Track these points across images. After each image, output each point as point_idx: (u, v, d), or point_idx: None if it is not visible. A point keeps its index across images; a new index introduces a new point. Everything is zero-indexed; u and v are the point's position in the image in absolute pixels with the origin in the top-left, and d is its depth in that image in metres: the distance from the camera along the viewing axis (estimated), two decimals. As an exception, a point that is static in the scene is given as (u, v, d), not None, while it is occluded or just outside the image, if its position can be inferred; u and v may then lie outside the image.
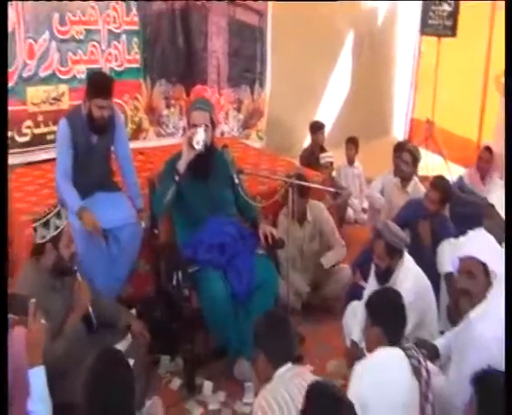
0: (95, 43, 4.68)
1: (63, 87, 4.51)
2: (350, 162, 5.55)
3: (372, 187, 4.88)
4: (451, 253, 3.25)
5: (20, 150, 4.31)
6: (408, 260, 2.96)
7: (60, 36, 4.47)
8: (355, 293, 3.49)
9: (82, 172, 3.17)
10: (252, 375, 2.80)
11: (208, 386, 2.99)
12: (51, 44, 4.41)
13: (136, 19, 4.91)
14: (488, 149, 4.46)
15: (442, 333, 2.92)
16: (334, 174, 5.23)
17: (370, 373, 2.18)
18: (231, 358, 3.10)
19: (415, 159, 4.20)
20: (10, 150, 3.91)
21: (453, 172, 5.64)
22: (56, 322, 2.39)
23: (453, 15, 5.99)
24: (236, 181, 3.15)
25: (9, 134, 4.12)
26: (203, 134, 2.99)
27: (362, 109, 6.46)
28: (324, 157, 5.00)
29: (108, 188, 3.33)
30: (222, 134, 5.66)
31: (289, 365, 2.09)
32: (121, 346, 2.56)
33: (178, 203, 3.10)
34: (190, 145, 3.00)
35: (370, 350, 2.30)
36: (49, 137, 4.34)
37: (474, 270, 2.31)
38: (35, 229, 2.43)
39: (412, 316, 2.80)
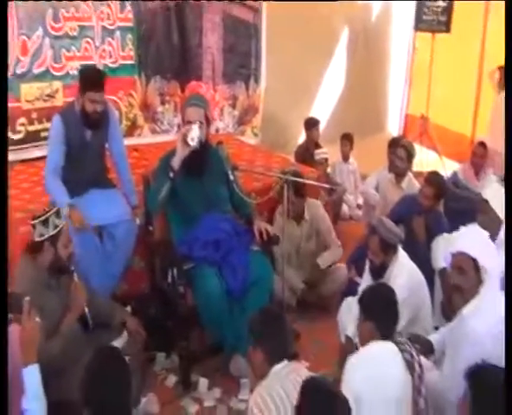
0: (89, 40, 4.66)
1: (57, 84, 4.49)
2: (345, 158, 5.55)
3: (367, 183, 4.89)
4: (444, 249, 3.26)
5: (14, 147, 4.29)
6: (402, 256, 2.97)
7: (54, 33, 4.45)
8: (349, 289, 3.50)
9: (76, 169, 3.17)
10: (248, 372, 2.81)
11: (203, 382, 2.99)
12: (44, 41, 4.39)
13: (130, 15, 4.89)
14: (482, 144, 4.47)
15: (436, 328, 2.94)
16: (329, 170, 5.24)
17: (363, 366, 2.19)
18: (226, 354, 3.10)
19: (410, 155, 4.21)
20: (4, 148, 3.89)
21: (447, 167, 5.67)
22: (52, 321, 2.39)
23: (447, 10, 6.01)
24: (231, 177, 3.14)
25: (3, 131, 4.10)
26: (198, 131, 2.99)
27: (357, 105, 6.48)
28: (319, 154, 5.00)
29: (103, 184, 3.32)
30: (217, 130, 5.66)
31: (285, 362, 2.09)
32: (117, 343, 2.56)
33: (173, 200, 3.10)
34: (185, 142, 2.99)
35: (363, 345, 2.31)
36: (43, 134, 4.31)
37: (464, 265, 2.32)
38: (33, 226, 2.42)
39: (405, 311, 2.81)
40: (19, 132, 4.34)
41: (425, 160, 5.83)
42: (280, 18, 5.75)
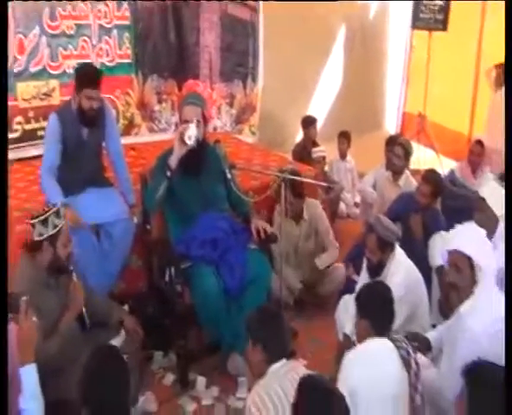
0: (86, 38, 4.65)
1: (54, 83, 4.48)
2: (342, 156, 5.55)
3: (364, 181, 4.90)
4: (441, 247, 3.27)
5: (10, 146, 4.25)
6: (400, 254, 2.97)
7: (51, 31, 4.43)
8: (347, 287, 3.50)
9: (73, 168, 3.16)
10: (246, 370, 2.81)
11: (201, 381, 2.99)
12: (41, 39, 4.38)
13: (127, 14, 4.88)
14: (479, 142, 4.48)
15: (434, 326, 2.94)
16: (326, 168, 5.24)
17: (360, 362, 2.20)
18: (224, 353, 3.11)
19: (407, 153, 4.22)
20: (1, 147, 3.88)
21: (445, 166, 5.67)
22: (50, 320, 2.39)
23: (444, 9, 6.02)
24: (228, 176, 3.14)
25: (0, 130, 4.10)
26: (195, 129, 2.98)
27: (354, 103, 6.48)
28: (317, 152, 5.01)
29: (100, 183, 3.32)
30: (215, 129, 5.66)
31: (283, 361, 2.10)
32: (115, 342, 2.56)
33: (170, 199, 3.10)
34: (182, 141, 2.99)
35: (360, 343, 2.32)
36: (40, 133, 4.31)
37: (460, 263, 2.33)
38: (33, 225, 2.42)
39: (403, 309, 2.82)
40: (16, 131, 4.33)
41: (423, 158, 5.84)
42: (277, 17, 5.75)
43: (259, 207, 3.67)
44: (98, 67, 4.54)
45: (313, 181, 3.83)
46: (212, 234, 3.03)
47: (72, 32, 4.55)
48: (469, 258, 2.31)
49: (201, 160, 3.12)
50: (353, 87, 6.62)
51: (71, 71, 4.44)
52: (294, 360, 2.17)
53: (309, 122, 5.46)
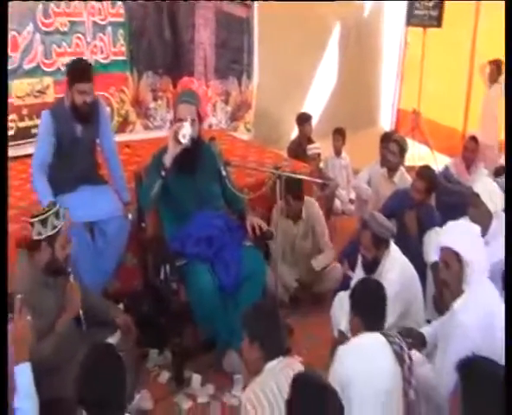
0: (80, 35, 4.63)
1: (48, 80, 4.47)
2: (337, 153, 5.56)
3: (359, 177, 4.90)
4: (436, 243, 3.28)
5: (4, 144, 4.26)
6: (395, 250, 2.98)
7: (45, 28, 4.42)
8: (342, 284, 3.51)
9: (67, 165, 3.15)
10: (242, 367, 2.81)
11: (196, 379, 2.99)
12: (35, 36, 4.36)
13: (121, 11, 4.87)
14: (473, 138, 4.49)
15: (428, 322, 2.96)
16: (321, 165, 5.24)
17: (352, 355, 2.21)
18: (219, 350, 3.11)
19: (402, 149, 4.22)
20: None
21: (439, 162, 5.69)
22: (47, 320, 2.38)
23: (439, 5, 6.03)
24: (223, 173, 3.14)
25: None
26: (189, 128, 2.97)
27: (349, 100, 6.49)
28: (312, 149, 5.00)
29: (94, 181, 3.30)
30: (210, 126, 5.65)
31: (279, 358, 2.10)
32: (111, 341, 2.55)
33: (165, 198, 3.09)
34: (176, 140, 2.98)
35: (354, 339, 2.33)
36: (34, 131, 4.28)
37: (449, 260, 2.35)
38: (32, 224, 2.41)
39: (398, 305, 2.84)
40: (10, 129, 4.31)
41: (417, 154, 5.86)
42: (272, 14, 5.74)
43: (255, 204, 3.67)
44: (92, 64, 4.57)
45: (308, 178, 3.83)
46: (207, 232, 3.03)
47: (66, 29, 4.53)
48: (457, 254, 2.32)
49: (196, 158, 3.12)
50: (348, 84, 6.62)
51: (65, 68, 4.43)
52: (290, 356, 2.17)
53: (304, 119, 5.46)
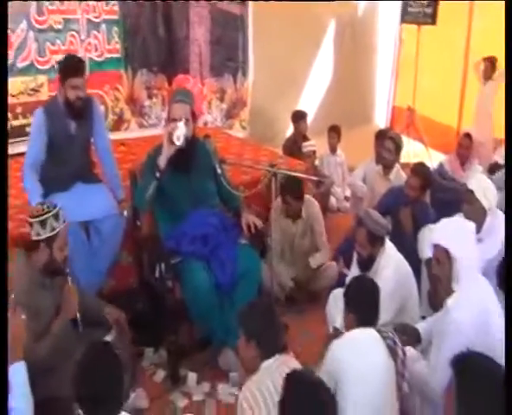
0: (74, 33, 4.62)
1: (42, 78, 4.45)
2: (333, 150, 5.57)
3: (354, 175, 4.90)
4: (429, 239, 3.30)
5: (-2, 142, 4.25)
6: (390, 248, 2.99)
7: (38, 26, 4.40)
8: (338, 281, 3.52)
9: (61, 163, 3.13)
10: (238, 365, 2.82)
11: (192, 377, 2.99)
12: (28, 34, 4.35)
13: (116, 8, 4.85)
14: (467, 135, 4.50)
15: (423, 318, 2.96)
16: (316, 162, 5.24)
17: (346, 347, 2.23)
18: (215, 348, 3.11)
19: (398, 147, 4.23)
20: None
21: (434, 159, 5.70)
22: (44, 320, 2.39)
23: (433, 3, 6.03)
24: (218, 171, 3.14)
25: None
26: (184, 128, 2.96)
27: (344, 98, 6.49)
28: (307, 146, 5.01)
29: (88, 179, 3.29)
30: (206, 124, 5.65)
31: (276, 356, 2.10)
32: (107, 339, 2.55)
33: (160, 198, 3.08)
34: (171, 141, 2.97)
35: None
36: (28, 129, 4.24)
37: (440, 257, 2.37)
38: (31, 224, 2.40)
39: (393, 302, 2.85)
40: (4, 127, 4.29)
41: (412, 151, 5.87)
42: (267, 11, 5.74)
43: (250, 201, 3.67)
44: (86, 62, 4.56)
45: (304, 176, 3.83)
46: (202, 230, 3.03)
47: (60, 27, 4.52)
48: (447, 251, 2.34)
49: (191, 157, 3.11)
50: (343, 82, 6.63)
51: (57, 65, 4.42)
52: (286, 354, 2.18)
53: (299, 116, 5.46)
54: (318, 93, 6.68)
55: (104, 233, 3.20)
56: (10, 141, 4.32)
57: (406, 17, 6.33)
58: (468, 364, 1.70)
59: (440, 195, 4.09)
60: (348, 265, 3.39)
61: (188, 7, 5.38)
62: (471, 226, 2.46)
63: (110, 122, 4.99)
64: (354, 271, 3.06)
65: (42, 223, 2.38)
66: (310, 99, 6.52)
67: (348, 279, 3.02)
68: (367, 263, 2.95)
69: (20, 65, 4.32)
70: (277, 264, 3.56)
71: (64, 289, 2.47)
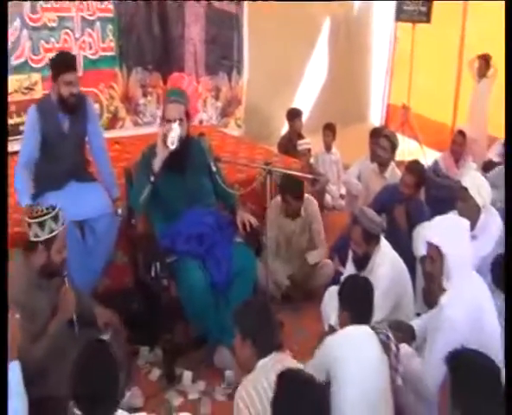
0: (68, 31, 4.61)
1: (36, 76, 4.43)
2: (328, 148, 5.57)
3: (349, 173, 4.91)
4: (423, 237, 3.31)
5: (-8, 141, 4.22)
6: (385, 245, 2.99)
7: (32, 24, 4.39)
8: (333, 279, 3.53)
9: (55, 161, 3.12)
10: (233, 363, 2.82)
11: (187, 375, 2.98)
12: (22, 32, 4.33)
13: (110, 6, 4.84)
14: (461, 132, 4.51)
15: (418, 315, 2.98)
16: (312, 160, 5.25)
17: (339, 343, 2.26)
18: (210, 347, 3.11)
19: (393, 145, 4.23)
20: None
21: (428, 156, 5.72)
22: (41, 321, 2.38)
23: (428, 1, 6.04)
24: (213, 169, 3.13)
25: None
26: (178, 130, 2.95)
27: (339, 96, 6.50)
28: (302, 144, 5.01)
29: (83, 178, 3.28)
30: (201, 122, 5.64)
31: (272, 354, 2.11)
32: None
33: (155, 198, 3.06)
34: (165, 144, 2.97)
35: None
36: (22, 128, 4.22)
37: (433, 254, 2.38)
38: (29, 225, 2.39)
39: (388, 300, 2.87)
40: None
41: (407, 149, 5.88)
42: (262, 9, 5.73)
43: (245, 199, 3.67)
44: (81, 60, 4.55)
45: (299, 174, 3.84)
46: (197, 230, 3.02)
47: (54, 24, 4.50)
48: (438, 248, 2.35)
49: (186, 156, 3.10)
50: (338, 80, 6.64)
51: (49, 63, 4.40)
52: (281, 352, 2.18)
53: (294, 114, 5.46)
54: (313, 91, 6.68)
55: (99, 232, 3.19)
56: (4, 140, 4.32)
57: (400, 15, 6.34)
58: (462, 361, 1.71)
59: (434, 193, 4.10)
60: (343, 263, 3.40)
61: (184, 5, 5.37)
62: (465, 223, 2.47)
63: (105, 120, 4.98)
64: (349, 269, 3.07)
65: (41, 224, 2.37)
66: (305, 98, 6.52)
67: (343, 277, 3.03)
68: (362, 261, 2.96)
69: (14, 63, 4.30)
70: (272, 262, 3.56)
71: (61, 290, 2.47)
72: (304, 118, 5.63)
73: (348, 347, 2.23)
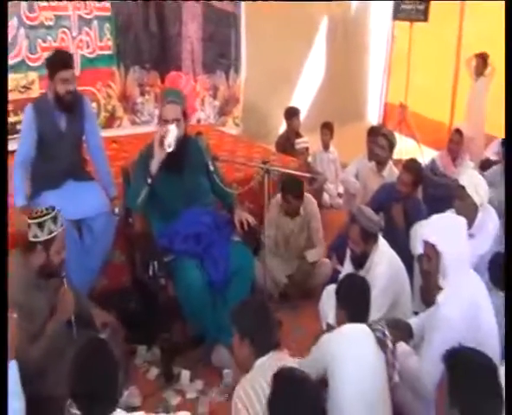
0: (65, 30, 4.60)
1: (33, 75, 4.43)
2: (325, 147, 5.57)
3: (347, 171, 4.91)
4: (420, 235, 3.31)
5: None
6: (383, 244, 2.99)
7: (29, 22, 4.38)
8: (331, 277, 3.53)
9: (51, 160, 3.11)
10: (231, 362, 2.82)
11: (185, 374, 2.98)
12: (19, 31, 4.32)
13: (107, 5, 4.83)
14: (458, 131, 4.51)
15: (416, 313, 2.98)
16: (309, 159, 5.25)
17: (335, 342, 2.27)
18: (208, 346, 3.11)
19: (391, 144, 4.23)
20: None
21: (426, 155, 5.73)
22: (39, 321, 2.38)
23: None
24: (211, 168, 3.13)
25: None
26: (175, 131, 2.94)
27: (337, 94, 6.50)
28: (300, 143, 5.01)
29: (80, 177, 3.27)
30: (199, 121, 5.64)
31: (270, 354, 2.11)
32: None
33: (152, 199, 3.05)
34: (162, 146, 2.96)
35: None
36: (19, 127, 4.22)
37: (430, 252, 2.39)
38: (28, 225, 2.39)
39: (386, 298, 2.87)
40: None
41: (404, 148, 5.88)
42: (259, 8, 5.73)
43: (243, 198, 3.68)
44: (78, 59, 4.54)
45: (297, 173, 3.84)
46: (195, 229, 3.02)
47: (51, 23, 4.49)
48: (434, 247, 2.36)
49: (183, 156, 3.08)
50: (335, 78, 6.64)
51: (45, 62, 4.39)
52: (279, 350, 2.18)
53: (292, 113, 5.46)
54: (311, 90, 6.68)
55: (96, 231, 3.19)
56: (1, 139, 4.31)
57: (398, 14, 6.35)
58: (459, 359, 1.71)
59: (432, 191, 4.11)
60: (341, 262, 3.40)
61: (181, 4, 5.36)
62: (462, 221, 2.48)
63: (102, 119, 4.98)
64: (347, 268, 3.07)
65: (40, 225, 2.37)
66: (303, 96, 6.52)
67: (341, 276, 3.04)
68: (360, 260, 2.96)
69: (11, 62, 4.28)
70: (271, 260, 3.56)
71: (59, 291, 2.46)
72: (302, 116, 5.63)
73: (345, 344, 2.24)
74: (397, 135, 4.68)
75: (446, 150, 4.55)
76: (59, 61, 3.05)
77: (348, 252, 3.06)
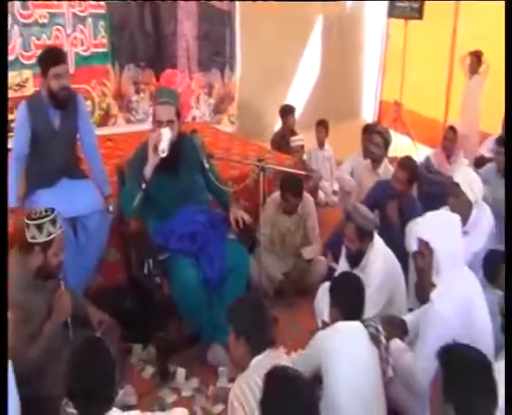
0: (60, 27, 4.58)
1: (27, 73, 4.41)
2: (320, 144, 5.58)
3: (342, 169, 4.92)
4: (414, 233, 3.32)
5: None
6: (378, 242, 3.00)
7: (23, 20, 4.36)
8: (327, 275, 3.54)
9: (45, 158, 3.10)
10: (226, 360, 2.82)
11: (181, 373, 2.98)
12: (13, 29, 4.29)
13: (102, 2, 4.81)
14: (452, 128, 4.52)
15: (411, 310, 2.99)
16: (305, 157, 5.26)
17: (329, 338, 2.29)
18: (204, 344, 3.11)
19: (386, 142, 4.23)
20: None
21: (421, 152, 5.74)
22: (36, 322, 2.38)
23: (420, -2, 6.06)
24: (206, 165, 3.12)
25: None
26: (169, 134, 2.92)
27: (332, 92, 6.51)
28: (295, 141, 5.01)
29: (74, 175, 3.26)
30: (194, 119, 5.64)
31: (265, 352, 2.11)
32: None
33: (146, 203, 3.04)
34: (156, 151, 2.95)
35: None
36: (13, 125, 4.23)
37: (423, 249, 2.40)
38: (27, 226, 2.37)
39: (381, 296, 2.88)
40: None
41: (399, 145, 5.89)
42: (255, 6, 5.72)
43: (239, 196, 3.68)
44: (72, 56, 4.52)
45: (292, 170, 3.84)
46: (190, 228, 3.01)
47: (45, 21, 4.47)
48: (427, 244, 2.37)
49: (178, 155, 3.07)
50: (330, 76, 6.64)
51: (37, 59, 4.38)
52: (275, 349, 2.18)
53: (287, 111, 5.46)
54: (306, 88, 6.68)
55: (91, 229, 3.18)
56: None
57: (393, 12, 6.35)
58: (453, 356, 1.72)
59: (427, 189, 4.12)
60: (336, 259, 3.40)
61: (176, 2, 5.35)
62: (456, 218, 2.48)
63: (97, 117, 4.97)
64: (342, 266, 3.07)
65: (39, 227, 2.35)
66: (298, 94, 6.52)
67: (336, 273, 3.04)
68: (355, 257, 2.96)
69: (5, 60, 4.27)
70: (266, 258, 3.56)
71: (57, 292, 2.46)
72: (297, 114, 5.64)
73: (339, 341, 2.26)
74: (392, 133, 4.68)
75: (441, 147, 4.55)
76: (50, 57, 3.03)
77: (344, 250, 3.06)
